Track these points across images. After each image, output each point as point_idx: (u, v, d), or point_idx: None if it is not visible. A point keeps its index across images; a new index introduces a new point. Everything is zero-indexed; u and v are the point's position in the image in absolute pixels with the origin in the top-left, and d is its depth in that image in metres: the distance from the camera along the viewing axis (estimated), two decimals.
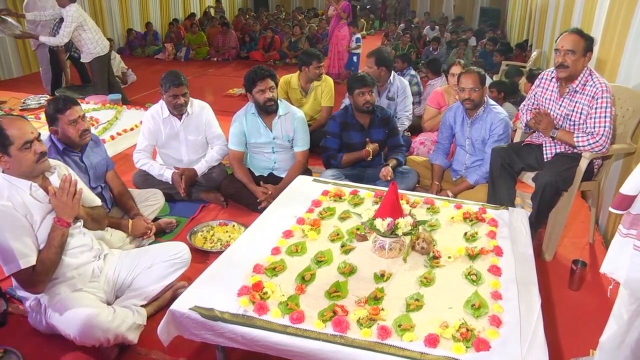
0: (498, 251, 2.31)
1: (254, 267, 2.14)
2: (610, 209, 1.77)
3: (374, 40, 13.13)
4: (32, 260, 2.03)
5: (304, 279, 2.07)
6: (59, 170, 2.30)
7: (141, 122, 4.45)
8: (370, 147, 3.53)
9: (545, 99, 3.07)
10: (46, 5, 6.34)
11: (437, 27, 11.90)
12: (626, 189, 1.71)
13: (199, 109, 3.70)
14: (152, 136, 3.59)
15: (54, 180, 2.23)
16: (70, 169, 2.45)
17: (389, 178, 3.39)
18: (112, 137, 4.22)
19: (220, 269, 2.15)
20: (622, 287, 1.77)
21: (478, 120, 3.44)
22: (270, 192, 3.48)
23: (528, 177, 3.17)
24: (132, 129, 4.49)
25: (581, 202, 3.79)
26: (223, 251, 2.34)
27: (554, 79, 3.02)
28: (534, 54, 7.40)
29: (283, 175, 3.65)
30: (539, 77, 3.17)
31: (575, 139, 2.83)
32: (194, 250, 2.93)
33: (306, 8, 16.88)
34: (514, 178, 3.18)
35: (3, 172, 2.11)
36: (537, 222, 3.00)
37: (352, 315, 1.85)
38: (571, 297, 2.72)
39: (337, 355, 1.71)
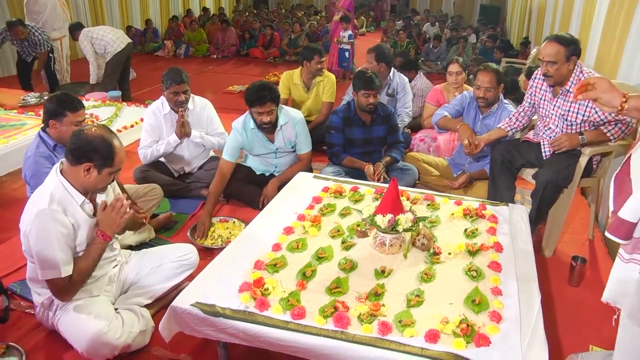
0: (498, 247, 2.31)
1: (255, 263, 2.15)
2: (607, 234, 1.65)
3: (373, 37, 13.12)
4: (70, 269, 2.05)
5: (305, 275, 2.07)
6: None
7: (141, 119, 4.45)
8: (371, 169, 3.47)
9: (539, 98, 3.05)
10: (47, 3, 6.36)
11: (437, 23, 11.88)
12: (625, 213, 1.58)
13: (201, 105, 3.71)
14: (154, 132, 3.59)
15: (100, 198, 2.24)
16: None
17: (376, 179, 3.39)
18: None
19: (221, 265, 2.16)
20: (628, 319, 1.67)
21: (490, 117, 3.46)
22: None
23: (528, 174, 3.17)
24: (132, 126, 4.47)
25: (581, 199, 3.80)
26: (224, 247, 2.35)
27: (544, 85, 3.00)
28: (534, 51, 7.38)
29: None
30: (533, 75, 3.14)
31: (609, 134, 2.79)
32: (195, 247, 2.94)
33: (305, 5, 16.84)
34: (514, 175, 3.18)
35: (61, 172, 2.10)
36: (537, 219, 3.01)
37: (353, 311, 1.85)
38: (571, 293, 2.73)
39: (338, 350, 1.72)
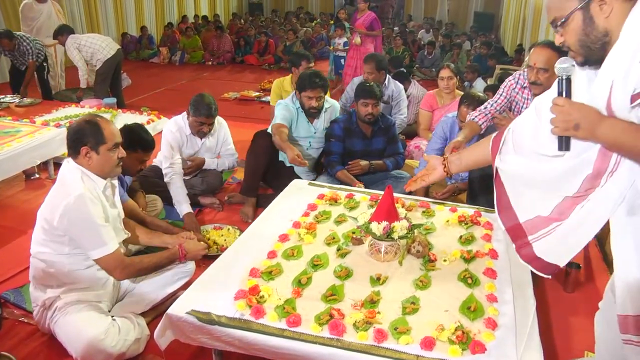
0: (493, 254, 2.32)
1: (251, 270, 2.14)
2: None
3: None
4: (116, 244, 2.15)
5: (301, 283, 2.07)
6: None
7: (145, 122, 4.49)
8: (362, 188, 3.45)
9: (519, 105, 2.91)
10: (42, 10, 6.36)
11: (431, 30, 11.95)
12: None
13: (219, 127, 3.75)
14: (176, 147, 3.54)
15: (115, 183, 2.37)
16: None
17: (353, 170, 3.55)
18: None
19: (216, 273, 2.15)
20: None
21: (478, 137, 3.41)
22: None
23: None
24: None
25: None
26: (219, 255, 2.35)
27: (527, 89, 2.85)
28: (528, 58, 7.43)
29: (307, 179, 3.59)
30: (512, 78, 2.93)
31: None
32: None
33: (301, 12, 16.85)
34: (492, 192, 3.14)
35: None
36: None
37: (349, 318, 1.85)
38: (566, 299, 2.74)
39: (334, 358, 1.72)
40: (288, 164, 3.56)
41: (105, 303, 2.28)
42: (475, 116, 2.98)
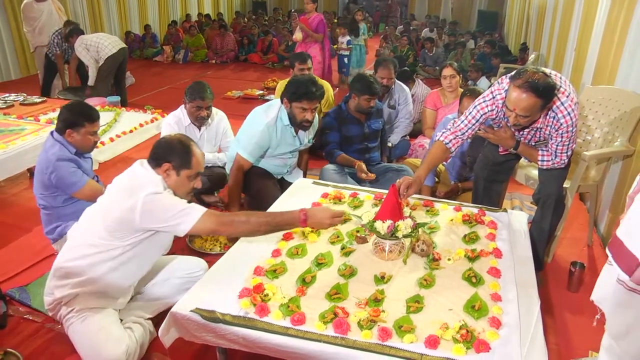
0: (497, 253, 2.31)
1: (255, 269, 2.14)
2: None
3: (371, 43, 13.13)
4: (202, 207, 2.03)
5: (305, 281, 2.07)
6: None
7: (140, 124, 4.48)
8: (362, 166, 3.42)
9: (500, 120, 2.66)
10: (43, 9, 6.38)
11: (435, 29, 11.92)
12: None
13: (218, 119, 3.75)
14: None
15: None
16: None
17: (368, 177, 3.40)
18: (112, 139, 4.23)
19: (221, 271, 2.16)
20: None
21: (478, 139, 3.40)
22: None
23: (527, 179, 3.17)
24: (130, 131, 4.49)
25: (579, 204, 3.81)
26: (223, 253, 2.35)
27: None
28: (532, 56, 7.42)
29: (292, 180, 3.45)
30: (487, 106, 2.54)
31: (540, 161, 2.61)
32: (194, 253, 2.94)
33: (304, 11, 16.83)
34: (499, 193, 3.13)
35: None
36: (550, 235, 2.86)
37: (353, 317, 1.85)
38: (570, 298, 2.74)
39: (338, 356, 1.72)
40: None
41: (114, 309, 2.24)
42: (450, 141, 2.60)
